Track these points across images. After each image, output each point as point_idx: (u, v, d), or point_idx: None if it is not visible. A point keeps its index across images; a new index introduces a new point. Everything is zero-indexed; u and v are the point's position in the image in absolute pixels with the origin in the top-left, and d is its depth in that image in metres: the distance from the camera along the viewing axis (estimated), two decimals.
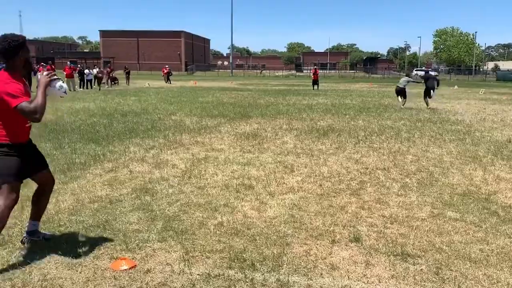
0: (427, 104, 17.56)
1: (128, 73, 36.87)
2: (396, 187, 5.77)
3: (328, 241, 3.96)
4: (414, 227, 4.31)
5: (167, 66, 44.13)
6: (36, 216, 3.89)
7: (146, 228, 4.18)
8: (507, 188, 5.80)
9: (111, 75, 32.20)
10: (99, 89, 27.41)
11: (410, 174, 6.46)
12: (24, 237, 3.85)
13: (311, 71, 33.35)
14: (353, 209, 4.85)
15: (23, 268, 3.37)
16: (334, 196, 5.32)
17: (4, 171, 3.41)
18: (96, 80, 29.03)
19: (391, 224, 4.40)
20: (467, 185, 5.91)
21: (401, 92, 17.62)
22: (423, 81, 18.02)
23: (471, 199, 5.28)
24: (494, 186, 5.86)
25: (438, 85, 17.83)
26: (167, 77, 40.58)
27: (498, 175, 6.48)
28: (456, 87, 39.03)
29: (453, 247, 3.83)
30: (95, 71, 30.61)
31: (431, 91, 17.32)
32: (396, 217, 4.61)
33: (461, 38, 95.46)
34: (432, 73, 17.30)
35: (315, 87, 30.92)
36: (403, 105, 17.68)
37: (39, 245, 3.77)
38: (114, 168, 6.53)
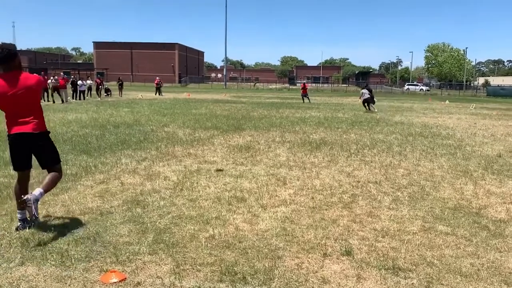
0: (372, 108, 22.92)
1: (121, 85, 36.83)
2: (387, 200, 5.79)
3: (319, 254, 3.95)
4: (405, 241, 4.32)
5: (157, 77, 44.11)
6: (24, 205, 4.29)
7: (137, 241, 4.15)
8: (497, 202, 5.84)
9: (100, 87, 32.02)
10: (53, 102, 24.40)
11: (402, 188, 6.49)
12: (20, 225, 4.33)
13: (300, 85, 34.31)
14: (345, 222, 4.85)
15: (11, 281, 3.32)
16: (326, 209, 5.33)
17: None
18: (51, 91, 25.12)
19: (382, 238, 4.40)
20: (458, 199, 5.94)
21: (371, 100, 22.62)
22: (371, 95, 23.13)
23: (462, 213, 5.31)
24: (484, 200, 5.90)
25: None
26: (157, 89, 40.32)
27: (488, 189, 6.53)
28: (447, 102, 39.48)
29: (444, 261, 3.84)
30: (88, 82, 30.57)
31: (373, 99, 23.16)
32: (387, 230, 4.62)
33: (452, 53, 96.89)
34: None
35: (305, 100, 31.51)
36: (376, 109, 22.86)
37: (27, 256, 3.73)
38: (105, 180, 6.49)
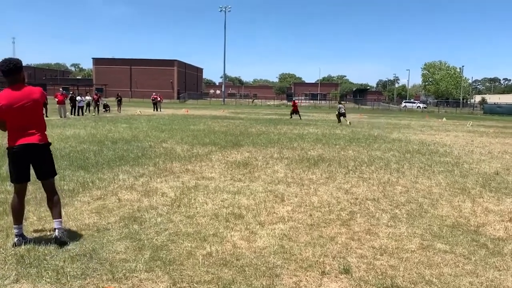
0: (344, 121, 27.13)
1: (119, 101, 36.96)
2: (385, 218, 5.77)
3: (318, 272, 3.92)
4: (403, 259, 4.29)
5: (154, 93, 44.29)
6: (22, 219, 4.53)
7: (134, 258, 4.11)
8: (496, 220, 5.83)
9: (98, 102, 31.91)
10: None
11: (400, 205, 6.48)
12: (17, 240, 4.34)
13: (291, 102, 36.60)
14: (343, 240, 4.82)
15: None
16: (324, 227, 5.30)
17: None
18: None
19: (381, 256, 4.38)
20: (456, 217, 5.93)
21: (343, 115, 27.01)
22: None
23: (460, 231, 5.29)
24: (482, 218, 5.89)
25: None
26: (154, 104, 40.59)
27: (486, 207, 6.52)
28: (444, 119, 39.67)
29: (443, 280, 3.82)
30: (87, 98, 30.55)
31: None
32: (385, 248, 4.60)
33: (449, 71, 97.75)
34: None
35: (295, 116, 32.68)
36: (348, 122, 26.81)
37: (22, 273, 3.69)
38: (102, 196, 6.46)
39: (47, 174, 4.56)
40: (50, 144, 4.57)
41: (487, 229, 5.42)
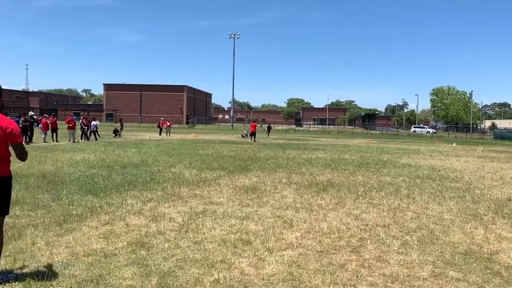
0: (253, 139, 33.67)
1: (121, 125, 37.94)
2: (396, 244, 5.67)
3: None
4: (415, 287, 4.19)
5: (162, 118, 45.34)
6: None
7: (140, 284, 4.06)
8: (510, 247, 5.70)
9: (86, 128, 28.59)
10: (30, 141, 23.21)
11: (411, 231, 6.37)
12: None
13: (251, 124, 36.32)
14: (353, 267, 4.74)
15: None
16: (333, 253, 5.22)
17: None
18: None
19: (392, 284, 4.28)
20: (468, 243, 5.81)
21: (253, 134, 33.63)
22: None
23: (473, 258, 5.18)
24: (496, 245, 5.76)
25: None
26: (161, 129, 41.68)
27: (499, 234, 6.39)
28: (454, 144, 39.41)
29: None
30: (93, 122, 30.38)
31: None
32: (397, 276, 4.50)
33: (458, 96, 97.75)
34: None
35: (253, 138, 33.99)
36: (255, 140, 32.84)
37: None
38: (110, 221, 6.45)
39: None
40: (9, 178, 4.08)
41: (501, 256, 5.30)
